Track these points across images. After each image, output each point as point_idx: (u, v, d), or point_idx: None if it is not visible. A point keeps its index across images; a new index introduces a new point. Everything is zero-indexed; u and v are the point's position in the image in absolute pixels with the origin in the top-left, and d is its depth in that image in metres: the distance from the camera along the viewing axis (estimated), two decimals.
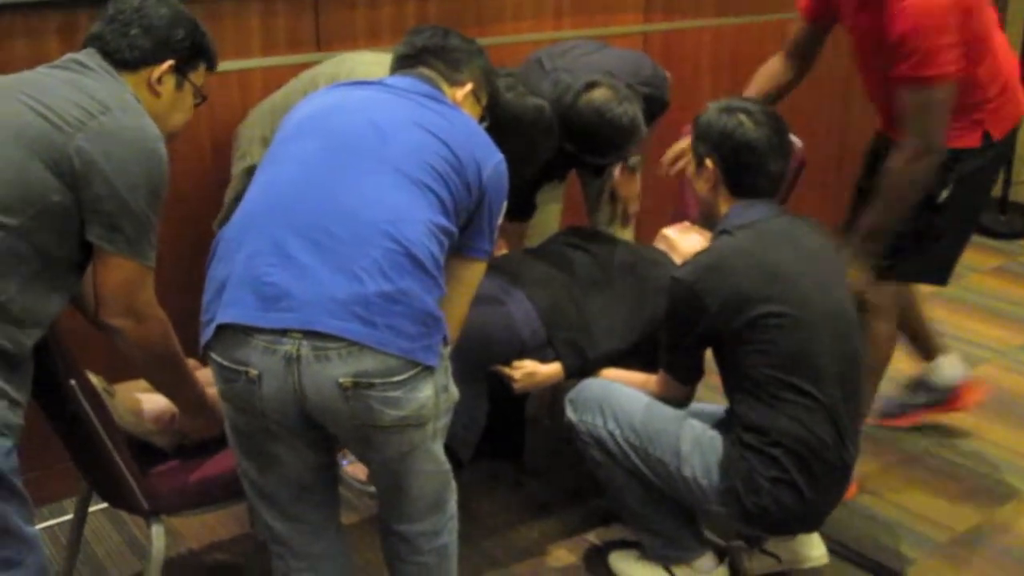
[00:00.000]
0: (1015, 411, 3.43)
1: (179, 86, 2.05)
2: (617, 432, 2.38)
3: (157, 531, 2.14)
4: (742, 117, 2.30)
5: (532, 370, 2.51)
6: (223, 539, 2.78)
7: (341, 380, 1.77)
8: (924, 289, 3.11)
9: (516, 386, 2.51)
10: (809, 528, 2.46)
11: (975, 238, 3.12)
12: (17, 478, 1.78)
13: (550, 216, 3.17)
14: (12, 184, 1.76)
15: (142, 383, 2.22)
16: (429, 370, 1.84)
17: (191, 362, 2.16)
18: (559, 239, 2.86)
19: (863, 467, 2.84)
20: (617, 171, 3.07)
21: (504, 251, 2.94)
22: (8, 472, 1.75)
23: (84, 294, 2.02)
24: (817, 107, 4.52)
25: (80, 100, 1.84)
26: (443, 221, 1.89)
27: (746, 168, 2.31)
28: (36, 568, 1.81)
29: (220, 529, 2.80)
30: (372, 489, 2.67)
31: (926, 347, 3.23)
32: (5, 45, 2.54)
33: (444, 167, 1.91)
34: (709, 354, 2.35)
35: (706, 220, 2.50)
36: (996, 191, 4.96)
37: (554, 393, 3.08)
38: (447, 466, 2.01)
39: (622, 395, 2.42)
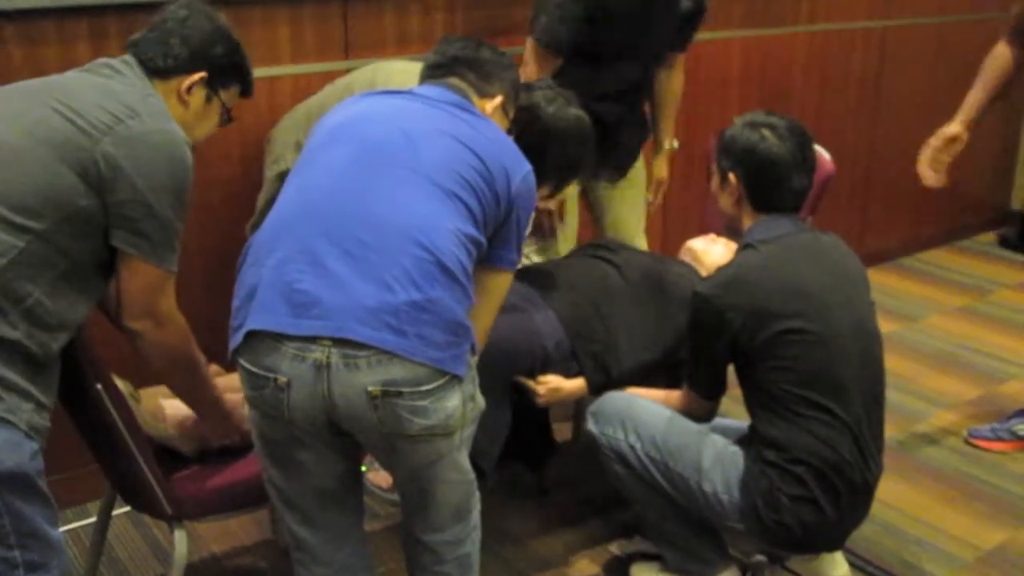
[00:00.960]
0: None
1: (208, 100, 2.05)
2: (638, 446, 2.37)
3: (180, 536, 2.14)
4: (766, 132, 2.29)
5: (557, 385, 2.50)
6: (245, 545, 2.78)
7: (370, 388, 1.77)
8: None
9: (540, 400, 2.50)
10: (830, 547, 2.45)
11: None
12: (42, 481, 1.78)
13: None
14: (39, 188, 1.77)
15: (165, 388, 2.22)
16: (457, 379, 1.84)
17: (212, 368, 2.16)
18: (586, 250, 2.85)
19: (888, 483, 2.82)
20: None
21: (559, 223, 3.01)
22: (34, 475, 1.76)
23: (107, 296, 2.03)
24: (843, 119, 4.50)
25: (108, 105, 1.84)
26: (472, 231, 1.89)
27: (769, 184, 2.30)
28: (60, 572, 1.81)
29: (242, 535, 2.80)
30: (395, 497, 2.67)
31: None
32: (36, 49, 2.56)
33: (474, 177, 1.91)
34: (732, 368, 2.34)
35: (731, 232, 2.49)
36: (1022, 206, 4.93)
37: (577, 405, 3.08)
38: (472, 476, 2.00)
39: (644, 409, 2.41)
